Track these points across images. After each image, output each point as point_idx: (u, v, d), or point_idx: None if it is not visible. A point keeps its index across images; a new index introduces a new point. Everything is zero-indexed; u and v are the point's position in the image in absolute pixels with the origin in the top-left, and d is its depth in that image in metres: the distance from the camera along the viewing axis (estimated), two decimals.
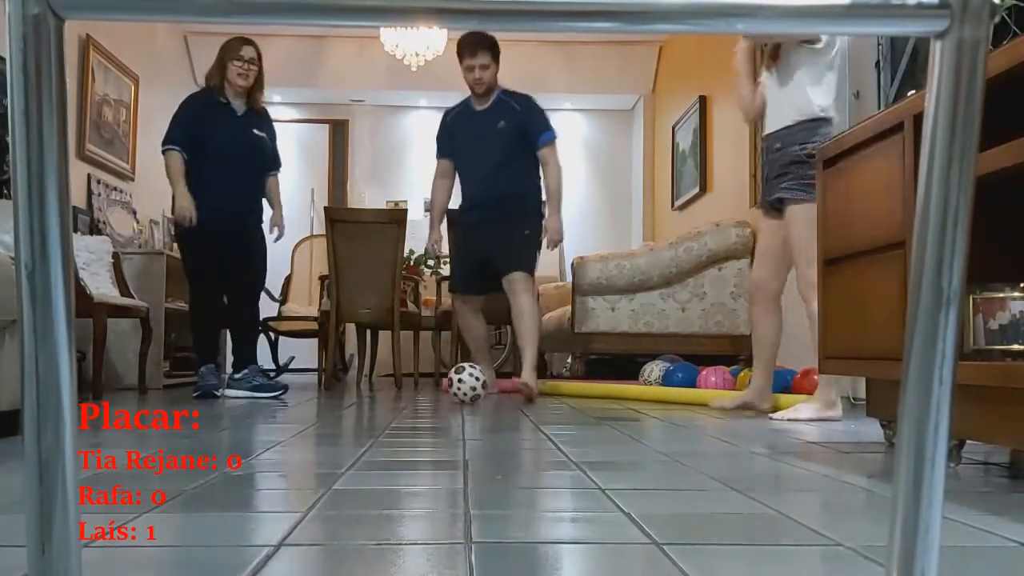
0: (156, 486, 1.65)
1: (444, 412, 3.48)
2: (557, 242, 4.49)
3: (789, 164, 3.17)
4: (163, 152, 4.29)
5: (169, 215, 6.89)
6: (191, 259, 4.37)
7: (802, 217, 3.09)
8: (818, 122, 3.13)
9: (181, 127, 4.31)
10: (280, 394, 4.26)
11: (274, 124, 4.65)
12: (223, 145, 4.31)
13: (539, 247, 4.47)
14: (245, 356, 4.39)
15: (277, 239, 4.64)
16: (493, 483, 1.65)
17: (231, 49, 4.35)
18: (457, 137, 4.48)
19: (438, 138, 4.59)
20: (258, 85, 4.43)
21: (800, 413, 3.12)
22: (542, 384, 4.86)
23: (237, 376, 4.32)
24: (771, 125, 3.28)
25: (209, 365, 4.34)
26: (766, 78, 3.31)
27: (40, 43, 0.49)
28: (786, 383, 3.81)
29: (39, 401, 0.50)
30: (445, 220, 4.71)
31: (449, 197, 4.62)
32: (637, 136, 8.21)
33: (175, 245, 6.80)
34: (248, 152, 4.41)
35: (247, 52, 4.35)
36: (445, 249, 4.73)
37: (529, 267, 4.39)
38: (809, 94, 3.15)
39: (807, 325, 3.13)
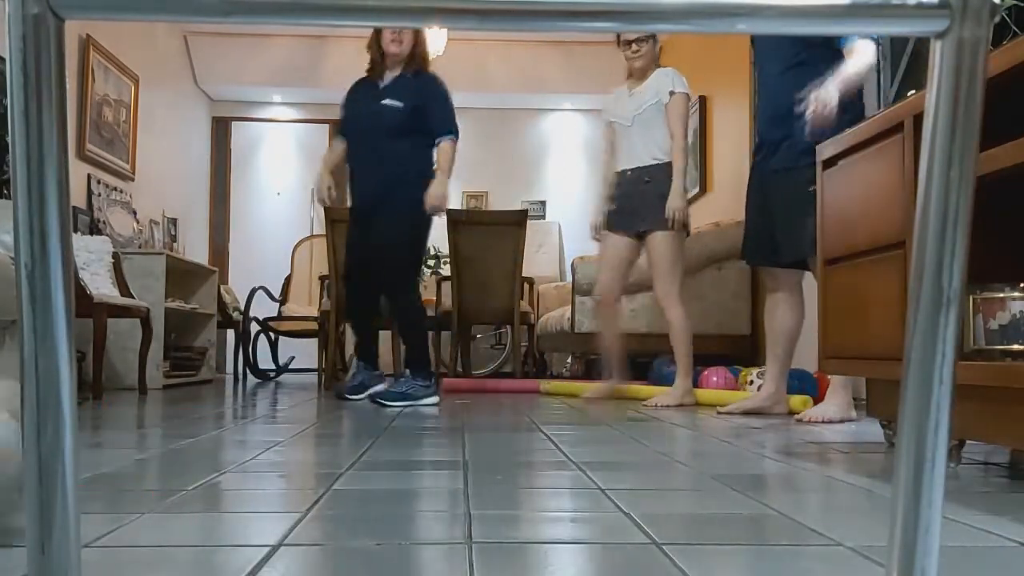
0: (156, 486, 1.65)
1: (444, 412, 3.48)
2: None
3: (660, 198, 3.93)
4: None
5: (170, 215, 6.92)
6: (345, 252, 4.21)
7: (669, 244, 3.97)
8: (668, 164, 3.98)
9: (343, 114, 4.20)
10: (434, 402, 3.95)
11: (435, 85, 4.08)
12: (355, 123, 4.09)
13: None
14: (408, 361, 4.06)
15: (430, 213, 4.05)
16: (493, 483, 1.65)
17: None
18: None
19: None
20: (418, 49, 4.05)
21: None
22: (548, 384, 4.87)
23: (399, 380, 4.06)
24: (634, 161, 4.04)
25: (360, 363, 4.12)
26: (623, 122, 4.08)
27: (40, 43, 0.49)
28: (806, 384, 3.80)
29: (39, 401, 0.50)
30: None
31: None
32: None
33: (174, 244, 6.85)
34: (377, 126, 4.01)
35: None
36: None
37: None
38: (663, 139, 4.02)
39: (670, 330, 3.95)
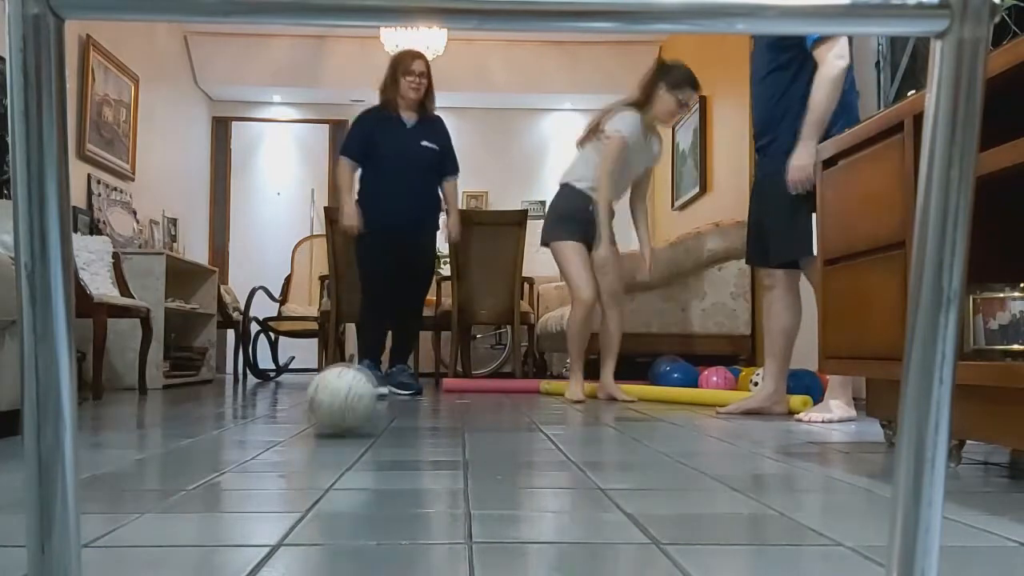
0: (156, 486, 1.65)
1: (444, 412, 3.48)
2: None
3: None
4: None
5: (170, 215, 6.92)
6: (366, 267, 4.62)
7: (618, 255, 4.31)
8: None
9: (355, 140, 4.61)
10: (415, 393, 4.51)
11: (447, 130, 4.77)
12: (393, 157, 4.54)
13: None
14: (398, 357, 4.70)
15: (453, 242, 4.96)
16: (493, 483, 1.65)
17: (403, 63, 4.60)
18: None
19: None
20: (429, 96, 4.65)
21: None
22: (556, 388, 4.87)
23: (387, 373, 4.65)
24: (588, 181, 4.24)
25: (366, 360, 4.54)
26: (640, 163, 4.31)
27: (40, 43, 0.49)
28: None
29: (39, 401, 0.50)
30: None
31: None
32: None
33: (174, 244, 6.84)
34: (417, 163, 4.59)
35: (418, 67, 4.58)
36: None
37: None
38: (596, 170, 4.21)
39: (613, 330, 4.30)
